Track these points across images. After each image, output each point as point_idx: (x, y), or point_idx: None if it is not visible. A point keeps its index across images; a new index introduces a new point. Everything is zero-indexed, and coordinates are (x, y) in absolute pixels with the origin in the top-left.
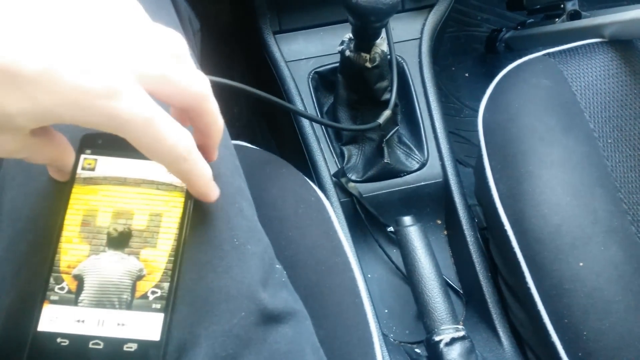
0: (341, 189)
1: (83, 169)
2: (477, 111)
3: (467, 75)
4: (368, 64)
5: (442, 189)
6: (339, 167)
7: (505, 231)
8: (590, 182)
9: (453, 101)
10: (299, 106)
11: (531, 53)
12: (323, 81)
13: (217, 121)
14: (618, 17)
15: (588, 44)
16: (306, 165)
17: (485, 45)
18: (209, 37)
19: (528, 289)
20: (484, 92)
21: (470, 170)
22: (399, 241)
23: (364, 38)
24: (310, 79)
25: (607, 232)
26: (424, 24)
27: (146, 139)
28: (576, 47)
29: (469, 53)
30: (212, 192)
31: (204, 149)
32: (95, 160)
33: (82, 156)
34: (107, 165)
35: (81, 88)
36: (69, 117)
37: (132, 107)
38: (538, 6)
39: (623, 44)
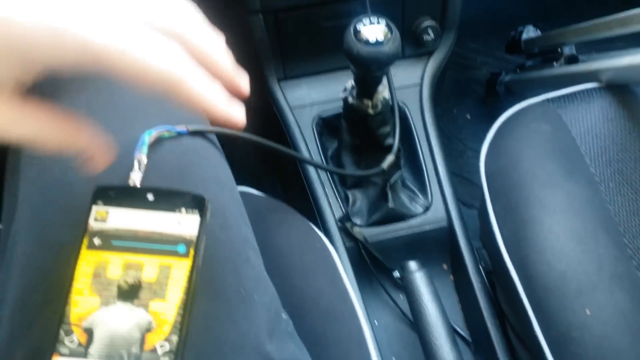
0: (346, 233)
1: (95, 220)
2: (479, 152)
3: (468, 117)
4: (370, 111)
5: (447, 233)
6: (344, 211)
7: (511, 277)
8: (593, 227)
9: (455, 143)
10: (304, 151)
11: (531, 96)
12: (327, 126)
13: (213, 38)
14: (613, 63)
15: (586, 89)
16: (311, 209)
17: (485, 88)
18: None
19: (536, 336)
20: (485, 134)
21: (474, 212)
22: (405, 288)
23: (366, 85)
24: (314, 124)
25: (613, 278)
26: (424, 70)
27: (127, 66)
28: (574, 93)
29: (470, 95)
30: (235, 111)
31: (228, 85)
32: (107, 212)
33: (94, 207)
34: (118, 217)
35: (55, 22)
36: (43, 55)
37: (105, 37)
38: (536, 50)
39: (620, 88)
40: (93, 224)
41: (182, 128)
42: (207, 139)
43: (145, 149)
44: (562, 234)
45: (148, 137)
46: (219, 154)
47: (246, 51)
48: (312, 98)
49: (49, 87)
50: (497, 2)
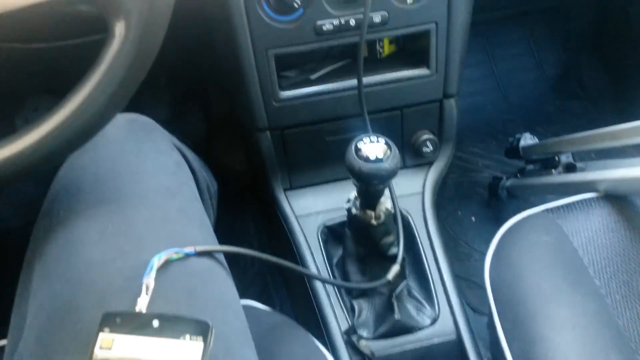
0: (353, 348)
1: (100, 348)
2: (485, 255)
3: (473, 219)
4: (374, 222)
5: (457, 346)
6: (350, 324)
7: None
8: (604, 344)
9: (462, 246)
10: (309, 260)
11: (533, 201)
12: (332, 234)
13: None
14: (609, 174)
15: (584, 199)
16: (317, 318)
17: (488, 191)
18: (227, 192)
19: None
20: (491, 236)
21: (484, 318)
22: None
23: (369, 197)
24: (319, 233)
25: None
26: (425, 179)
27: None
28: (574, 203)
29: (474, 197)
30: None
31: None
32: (113, 339)
33: (101, 335)
34: (123, 344)
35: None
36: None
37: None
38: (534, 157)
39: (618, 198)
40: (98, 352)
41: (190, 249)
42: (214, 259)
43: (153, 273)
44: (571, 353)
45: (157, 260)
46: (225, 274)
47: (255, 163)
48: (318, 207)
49: (64, 211)
50: (495, 107)
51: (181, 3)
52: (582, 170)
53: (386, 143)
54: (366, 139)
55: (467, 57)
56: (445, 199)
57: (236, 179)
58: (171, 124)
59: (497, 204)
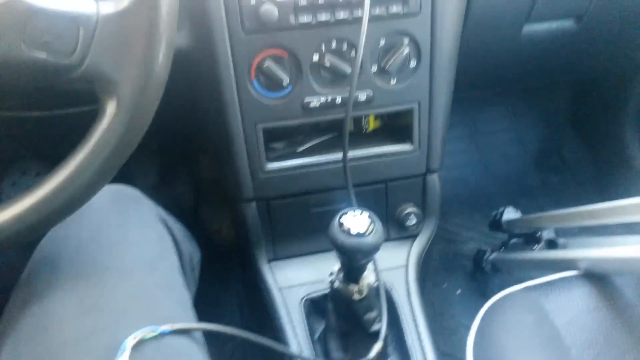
0: None
1: None
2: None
3: (459, 291)
4: (356, 296)
5: None
6: None
7: None
8: None
9: (447, 320)
10: (290, 334)
11: (517, 275)
12: (315, 307)
13: None
14: (590, 253)
15: (566, 277)
16: None
17: (473, 264)
18: (212, 258)
19: None
20: (476, 310)
21: None
22: None
23: (352, 271)
24: (302, 305)
25: None
26: (409, 252)
27: None
28: (555, 280)
29: (459, 269)
30: None
31: None
32: None
33: None
34: None
35: None
36: None
37: None
38: (517, 231)
39: (599, 277)
40: None
41: (166, 327)
42: (191, 337)
43: (127, 354)
44: None
45: (132, 339)
46: (201, 353)
47: (240, 233)
48: (302, 279)
49: (41, 283)
50: (479, 180)
51: (174, 79)
52: (564, 247)
53: (370, 217)
54: (350, 213)
55: (451, 130)
56: (431, 271)
57: (222, 246)
58: (160, 189)
59: (482, 276)
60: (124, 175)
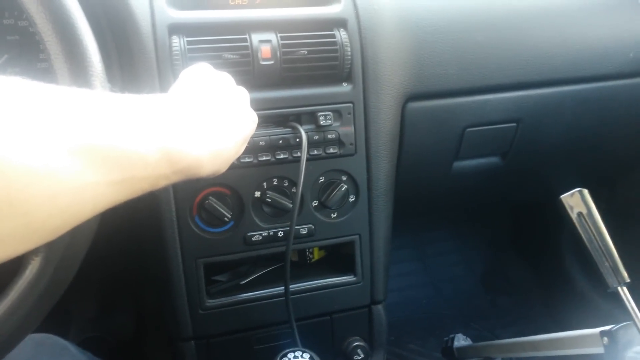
0: None
1: None
2: None
3: None
4: None
5: None
6: None
7: None
8: None
9: None
10: None
11: None
12: None
13: None
14: None
15: None
16: None
17: None
18: None
19: None
20: None
21: None
22: None
23: None
24: None
25: None
26: None
27: None
28: None
29: None
30: None
31: None
32: None
33: None
34: None
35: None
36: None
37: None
38: (468, 359)
39: None
40: None
41: None
42: None
43: None
44: None
45: None
46: None
47: None
48: None
49: None
50: (430, 302)
51: (114, 209)
52: None
53: (311, 358)
54: (290, 355)
55: (400, 252)
56: None
57: None
58: (99, 319)
59: None
60: (59, 306)
